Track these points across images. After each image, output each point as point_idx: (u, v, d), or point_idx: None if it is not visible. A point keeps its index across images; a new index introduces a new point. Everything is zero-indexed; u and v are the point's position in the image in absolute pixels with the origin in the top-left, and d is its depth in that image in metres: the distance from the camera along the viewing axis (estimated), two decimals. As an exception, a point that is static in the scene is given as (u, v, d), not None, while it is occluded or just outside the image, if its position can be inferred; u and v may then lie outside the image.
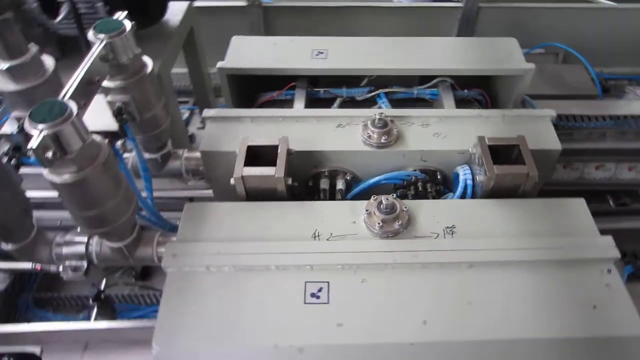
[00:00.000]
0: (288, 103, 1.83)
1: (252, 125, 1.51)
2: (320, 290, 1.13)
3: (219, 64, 1.70)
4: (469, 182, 1.36)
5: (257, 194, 1.32)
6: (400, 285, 1.13)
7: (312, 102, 1.76)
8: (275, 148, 1.35)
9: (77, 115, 1.01)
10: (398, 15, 3.24)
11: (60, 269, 1.36)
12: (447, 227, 1.23)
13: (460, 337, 1.06)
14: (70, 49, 1.98)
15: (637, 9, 3.12)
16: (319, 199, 1.47)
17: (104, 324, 1.55)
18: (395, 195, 1.27)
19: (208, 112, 1.53)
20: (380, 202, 1.22)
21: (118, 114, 1.31)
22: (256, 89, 1.83)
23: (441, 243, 1.20)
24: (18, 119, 1.34)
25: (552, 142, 1.43)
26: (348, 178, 1.48)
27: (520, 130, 1.45)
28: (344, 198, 1.46)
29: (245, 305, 1.11)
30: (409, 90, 1.78)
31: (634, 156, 1.75)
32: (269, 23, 3.17)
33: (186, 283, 1.15)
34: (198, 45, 2.48)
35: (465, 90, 1.79)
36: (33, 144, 0.95)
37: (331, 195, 1.47)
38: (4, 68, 1.24)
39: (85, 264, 1.35)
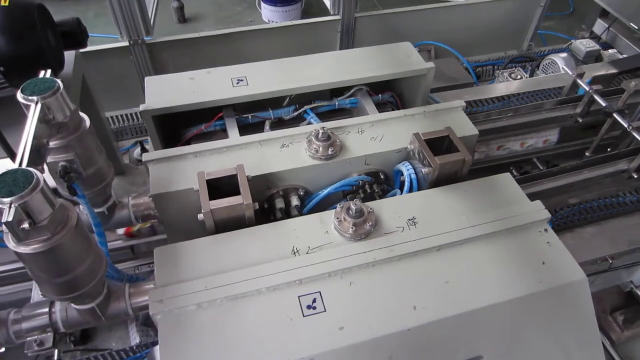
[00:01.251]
0: (217, 134, 1.85)
1: (197, 160, 1.51)
2: (314, 301, 1.18)
3: (142, 107, 1.66)
4: (413, 176, 1.50)
5: (226, 224, 1.33)
6: (384, 279, 1.23)
7: (242, 128, 1.79)
8: (233, 177, 1.38)
9: (44, 182, 0.96)
10: (282, 35, 3.37)
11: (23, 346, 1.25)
12: (409, 220, 1.36)
13: (447, 313, 1.18)
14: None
15: (483, 2, 3.60)
16: (275, 219, 1.52)
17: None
18: (359, 199, 1.36)
19: (148, 156, 1.50)
20: (349, 208, 1.31)
21: (65, 173, 1.24)
22: (177, 125, 1.82)
23: (408, 234, 1.32)
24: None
25: (469, 128, 1.63)
26: (301, 193, 1.54)
27: (441, 122, 1.64)
28: (300, 213, 1.52)
29: (247, 331, 1.12)
30: (330, 102, 1.90)
31: (524, 129, 2.05)
32: (155, 59, 3.12)
33: (181, 325, 1.13)
34: (92, 92, 2.37)
35: (380, 95, 1.96)
36: (7, 217, 0.89)
37: (286, 212, 1.53)
38: None
39: (50, 335, 1.26)
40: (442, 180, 1.47)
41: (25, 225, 0.92)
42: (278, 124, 1.85)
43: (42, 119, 1.13)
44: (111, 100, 2.83)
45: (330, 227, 1.34)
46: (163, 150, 1.53)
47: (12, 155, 1.71)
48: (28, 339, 1.25)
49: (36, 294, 1.36)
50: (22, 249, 0.98)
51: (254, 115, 1.83)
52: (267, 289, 1.19)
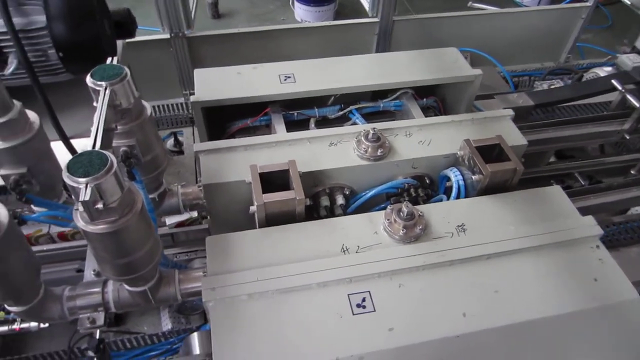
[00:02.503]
0: (261, 129, 1.87)
1: (247, 153, 1.53)
2: (364, 300, 1.19)
3: (192, 98, 1.68)
4: (461, 182, 1.51)
5: (276, 218, 1.35)
6: (433, 284, 1.24)
7: (287, 124, 1.81)
8: (285, 172, 1.39)
9: (117, 165, 0.98)
10: (318, 34, 3.38)
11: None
12: (458, 226, 1.36)
13: (497, 323, 1.18)
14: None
15: (522, 12, 3.58)
16: (318, 217, 1.53)
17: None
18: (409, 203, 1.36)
19: (200, 146, 1.53)
20: (400, 210, 1.31)
21: (126, 158, 1.26)
22: (221, 118, 1.84)
23: (458, 241, 1.32)
24: (6, 177, 1.25)
25: (518, 138, 1.63)
26: (347, 192, 1.56)
27: (489, 130, 1.64)
28: (345, 212, 1.53)
29: (297, 325, 1.14)
30: (375, 104, 1.91)
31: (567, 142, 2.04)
32: (194, 52, 3.14)
33: (233, 314, 1.15)
34: (135, 82, 2.40)
35: (424, 99, 1.96)
36: (84, 196, 0.92)
37: (330, 210, 1.54)
38: (-7, 126, 1.16)
39: (102, 313, 1.28)
40: (490, 188, 1.47)
41: (100, 205, 0.94)
42: (322, 122, 1.86)
43: (110, 104, 1.16)
44: (148, 91, 2.87)
45: (379, 227, 1.34)
46: (213, 142, 1.55)
47: (64, 139, 1.75)
48: (80, 316, 1.27)
49: (89, 274, 1.39)
50: (91, 229, 1.00)
51: (299, 112, 1.84)
52: (317, 285, 1.20)
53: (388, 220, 1.33)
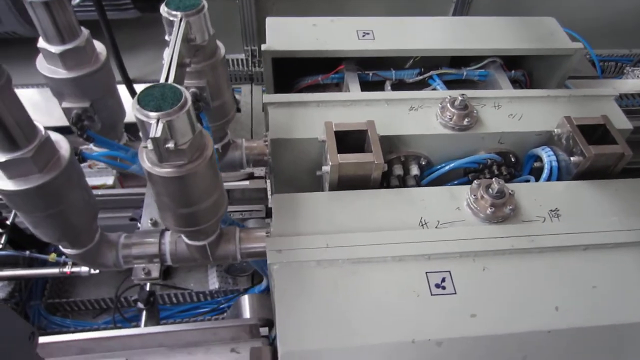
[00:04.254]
0: (331, 87, 1.74)
1: (320, 110, 1.41)
2: (443, 280, 1.07)
3: (264, 47, 1.58)
4: (554, 164, 1.34)
5: (349, 181, 1.23)
6: (522, 271, 1.10)
7: (361, 85, 1.67)
8: (362, 133, 1.27)
9: (190, 102, 0.88)
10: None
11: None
12: (551, 211, 1.21)
13: (594, 322, 1.03)
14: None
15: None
16: (388, 186, 1.40)
17: (162, 328, 1.41)
18: (495, 179, 1.22)
19: (269, 98, 1.42)
20: (489, 187, 1.17)
21: (195, 100, 1.17)
22: (290, 72, 1.72)
23: (551, 226, 1.17)
24: (68, 110, 1.18)
25: (622, 121, 1.44)
26: (423, 163, 1.42)
27: (589, 110, 1.46)
28: (418, 184, 1.40)
29: (369, 299, 1.03)
30: (458, 71, 1.74)
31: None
32: (260, 5, 3.01)
33: (299, 280, 1.05)
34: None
35: (513, 72, 1.78)
36: (155, 133, 0.82)
37: (402, 181, 1.42)
38: (58, 52, 1.08)
39: (158, 265, 1.21)
40: (590, 173, 1.30)
41: (170, 145, 0.85)
42: (398, 86, 1.72)
43: (184, 38, 1.05)
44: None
45: (462, 203, 1.21)
46: (284, 95, 1.44)
47: (127, 80, 1.68)
48: (135, 266, 1.21)
49: (145, 223, 1.32)
50: (157, 171, 0.91)
51: (375, 72, 1.70)
52: (392, 259, 1.09)
53: (474, 196, 1.19)
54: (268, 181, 1.96)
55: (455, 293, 1.05)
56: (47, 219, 0.98)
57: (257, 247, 1.22)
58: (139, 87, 1.70)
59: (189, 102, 0.87)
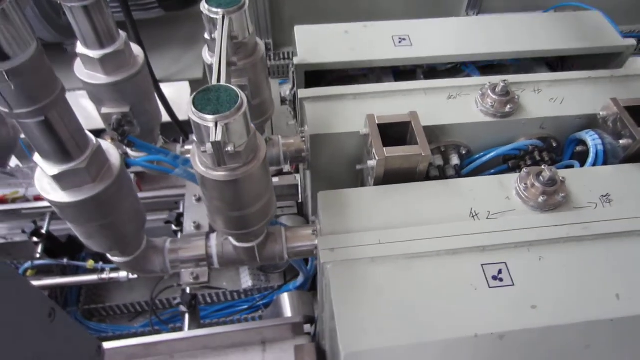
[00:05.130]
0: (359, 78, 1.71)
1: (357, 102, 1.39)
2: (500, 272, 1.05)
3: (296, 60, 1.51)
4: (600, 147, 1.31)
5: (395, 175, 1.21)
6: (579, 259, 1.07)
7: (394, 74, 1.64)
8: (405, 125, 1.25)
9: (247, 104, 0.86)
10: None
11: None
12: (603, 196, 1.18)
13: (657, 308, 1.02)
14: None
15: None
16: (427, 178, 1.38)
17: (208, 331, 1.41)
18: (545, 166, 1.19)
19: (305, 93, 1.39)
20: (540, 174, 1.15)
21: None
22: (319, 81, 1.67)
23: (604, 213, 1.14)
24: (108, 116, 1.16)
25: (666, 100, 1.40)
26: (463, 152, 1.39)
27: (631, 91, 1.43)
28: (459, 174, 1.38)
29: (427, 295, 1.01)
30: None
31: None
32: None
33: (355, 278, 1.04)
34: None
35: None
36: (215, 137, 0.81)
37: (442, 171, 1.39)
38: (98, 57, 1.06)
39: (206, 269, 1.21)
40: (638, 156, 1.27)
41: (230, 148, 0.83)
42: (430, 73, 1.68)
43: (230, 35, 1.03)
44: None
45: (511, 192, 1.19)
46: (320, 89, 1.41)
47: (154, 81, 1.66)
48: (182, 270, 1.20)
49: (188, 226, 1.31)
50: (213, 175, 0.90)
51: (405, 62, 1.67)
52: (446, 252, 1.07)
53: (524, 184, 1.16)
54: (298, 176, 1.95)
55: (513, 285, 1.03)
56: (101, 229, 0.97)
57: (304, 246, 1.21)
58: (165, 87, 1.70)
59: (245, 104, 0.85)
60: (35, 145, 0.83)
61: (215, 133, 0.81)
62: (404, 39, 1.59)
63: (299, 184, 1.87)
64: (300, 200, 1.95)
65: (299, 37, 1.60)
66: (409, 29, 1.63)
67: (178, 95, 2.01)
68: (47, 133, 0.80)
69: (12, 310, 0.63)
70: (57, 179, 0.86)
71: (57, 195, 0.88)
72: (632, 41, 1.59)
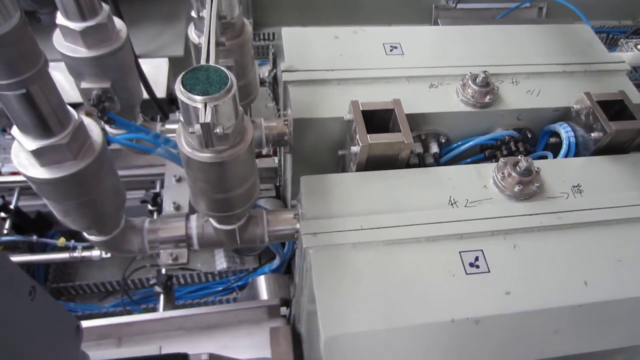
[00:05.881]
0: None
1: (340, 87, 1.39)
2: (477, 259, 1.08)
3: (283, 66, 1.42)
4: (572, 139, 1.36)
5: (377, 162, 1.22)
6: (551, 247, 1.12)
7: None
8: (388, 112, 1.26)
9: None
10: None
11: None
12: (574, 187, 1.23)
13: (620, 295, 1.06)
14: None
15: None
16: (408, 165, 1.40)
17: (184, 312, 1.41)
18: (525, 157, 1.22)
19: (289, 76, 1.38)
20: (517, 164, 1.18)
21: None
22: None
23: (575, 202, 1.19)
24: (88, 91, 1.13)
25: (636, 96, 1.45)
26: (442, 140, 1.42)
27: (604, 85, 1.47)
28: (437, 162, 1.41)
29: (407, 280, 1.04)
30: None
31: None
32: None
33: (336, 263, 1.05)
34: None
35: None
36: (204, 118, 0.80)
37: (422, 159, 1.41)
38: (79, 29, 1.02)
39: (185, 250, 1.20)
40: (607, 149, 1.32)
41: (219, 130, 0.82)
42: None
43: (219, 15, 1.01)
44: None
45: (489, 181, 1.22)
46: (304, 72, 1.40)
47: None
48: (161, 251, 1.19)
49: (167, 207, 1.29)
50: (198, 156, 0.89)
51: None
52: (426, 239, 1.09)
53: (501, 174, 1.20)
54: (275, 159, 1.94)
55: (489, 271, 1.07)
56: (79, 207, 0.95)
57: (285, 230, 1.21)
58: (143, 64, 1.65)
59: (235, 85, 0.84)
60: (15, 119, 0.80)
61: (205, 114, 0.80)
62: (396, 47, 1.53)
63: (278, 167, 1.86)
64: (278, 184, 1.95)
65: (286, 41, 1.52)
66: (401, 36, 1.57)
67: (156, 72, 1.96)
68: (27, 107, 0.77)
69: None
70: (37, 154, 0.83)
71: (36, 171, 0.85)
72: (620, 57, 1.57)
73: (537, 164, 1.25)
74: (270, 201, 1.88)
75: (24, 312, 0.71)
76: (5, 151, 1.88)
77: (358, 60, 1.48)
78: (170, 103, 2.29)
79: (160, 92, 1.83)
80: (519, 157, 1.20)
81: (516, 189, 1.17)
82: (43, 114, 0.80)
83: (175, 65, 1.92)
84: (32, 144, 0.82)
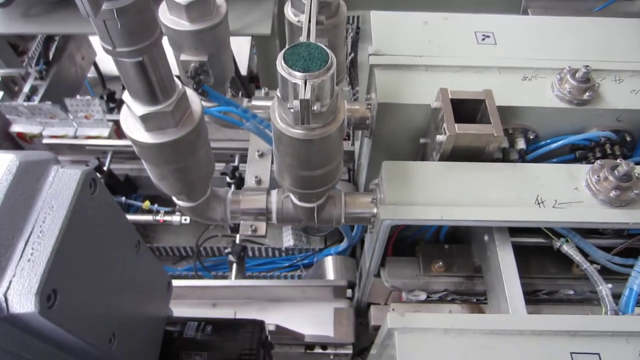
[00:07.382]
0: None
1: (428, 74, 1.36)
2: None
3: (371, 50, 1.39)
4: (679, 146, 1.27)
5: (462, 153, 1.20)
6: (645, 259, 1.06)
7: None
8: (477, 102, 1.22)
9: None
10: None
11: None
12: (677, 196, 1.15)
13: None
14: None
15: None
16: (491, 160, 1.35)
17: (255, 282, 1.46)
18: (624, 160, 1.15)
19: (376, 60, 1.37)
20: (615, 168, 1.11)
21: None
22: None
23: (678, 214, 1.11)
24: (186, 63, 1.17)
25: None
26: (531, 137, 1.36)
27: None
28: (522, 159, 1.35)
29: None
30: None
31: None
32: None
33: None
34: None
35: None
36: (304, 94, 0.81)
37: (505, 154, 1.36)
38: (185, 3, 1.06)
39: (264, 223, 1.23)
40: None
41: (317, 107, 0.83)
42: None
43: (317, -7, 1.02)
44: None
45: (581, 183, 1.16)
46: (392, 57, 1.39)
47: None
48: (242, 222, 1.23)
49: (250, 180, 1.33)
50: (292, 132, 0.91)
51: (478, 37, 1.62)
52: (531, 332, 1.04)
53: (596, 177, 1.13)
54: (349, 143, 1.95)
55: (575, 276, 1.02)
56: (175, 172, 1.00)
57: (362, 213, 1.22)
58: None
59: (335, 64, 0.85)
60: (128, 85, 0.85)
61: (305, 91, 0.81)
62: (488, 36, 1.46)
63: (355, 151, 1.87)
64: (352, 168, 1.96)
65: (374, 24, 1.50)
66: (493, 24, 1.50)
67: (238, 51, 2.00)
68: (141, 74, 0.81)
69: (111, 239, 0.67)
70: (144, 119, 0.88)
71: (141, 135, 0.91)
72: None
73: (638, 169, 1.18)
74: (343, 184, 1.89)
75: (130, 262, 0.76)
76: (45, 116, 2.03)
77: (447, 48, 1.44)
78: (250, 81, 2.34)
79: (242, 70, 1.87)
80: (619, 160, 1.13)
81: (612, 194, 1.11)
82: (153, 81, 0.84)
83: (261, 44, 1.96)
84: (141, 109, 0.87)
